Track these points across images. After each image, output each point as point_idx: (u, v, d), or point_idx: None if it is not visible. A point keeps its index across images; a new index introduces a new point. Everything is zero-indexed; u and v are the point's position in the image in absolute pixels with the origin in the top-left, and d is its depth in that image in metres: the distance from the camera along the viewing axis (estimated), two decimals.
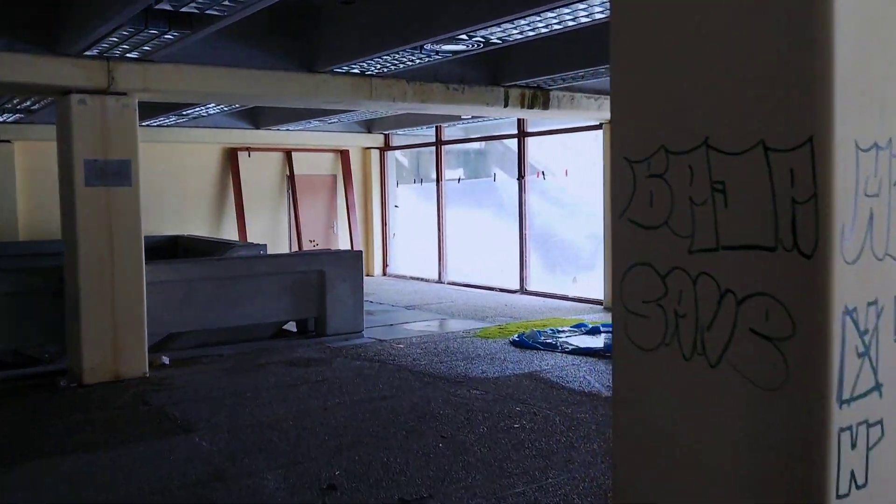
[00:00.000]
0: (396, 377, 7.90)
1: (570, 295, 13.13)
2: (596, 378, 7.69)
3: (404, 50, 7.65)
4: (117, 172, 7.70)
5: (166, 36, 6.60)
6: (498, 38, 7.23)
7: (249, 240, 15.09)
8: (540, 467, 5.35)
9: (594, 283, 12.86)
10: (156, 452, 5.79)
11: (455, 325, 10.97)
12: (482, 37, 7.09)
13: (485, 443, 5.84)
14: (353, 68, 8.61)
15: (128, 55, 7.38)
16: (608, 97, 11.32)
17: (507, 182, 14.64)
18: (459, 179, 15.83)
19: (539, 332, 9.91)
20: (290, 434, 6.12)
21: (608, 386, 7.36)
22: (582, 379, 7.67)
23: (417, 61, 8.19)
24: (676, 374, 2.27)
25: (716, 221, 2.14)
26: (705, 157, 2.16)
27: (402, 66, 8.47)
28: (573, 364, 8.31)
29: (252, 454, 5.69)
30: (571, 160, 14.69)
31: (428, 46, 7.42)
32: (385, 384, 7.62)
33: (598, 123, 12.20)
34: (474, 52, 7.73)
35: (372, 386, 7.57)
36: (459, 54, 7.91)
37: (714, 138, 2.16)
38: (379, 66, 8.51)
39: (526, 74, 9.74)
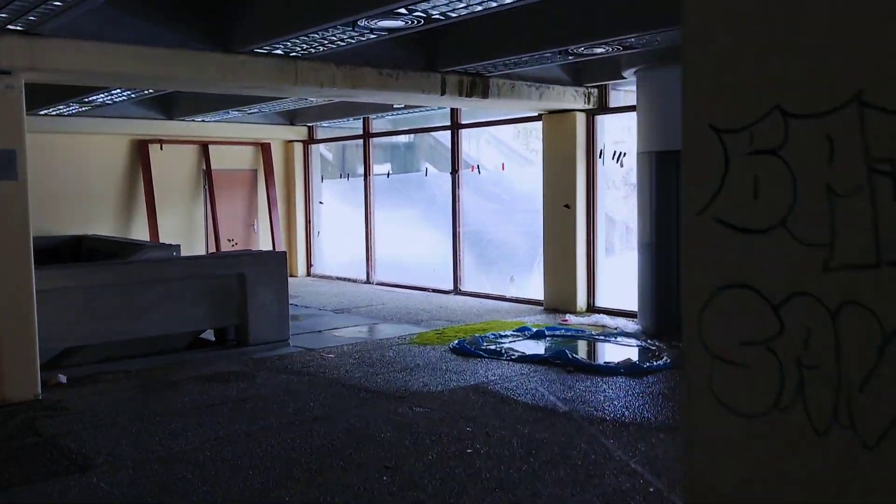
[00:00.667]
0: (329, 393, 7.06)
1: (508, 295, 12.47)
2: (549, 390, 7.01)
3: (335, 27, 6.81)
4: None
5: (54, 2, 5.61)
6: (440, 14, 6.46)
7: (161, 240, 13.95)
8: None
9: (533, 283, 12.24)
10: (43, 498, 4.83)
11: (389, 331, 10.16)
12: (423, 11, 6.30)
13: (436, 473, 5.07)
14: (276, 49, 7.71)
15: (10, 26, 6.33)
16: (550, 85, 10.73)
17: (438, 177, 13.89)
18: (389, 174, 15.00)
19: (481, 337, 9.19)
20: (206, 469, 5.22)
21: (564, 399, 6.69)
22: (534, 391, 6.98)
23: (349, 41, 7.35)
24: (801, 456, 1.53)
25: (875, 222, 1.40)
26: (857, 120, 1.42)
27: (331, 46, 7.61)
28: (522, 373, 7.62)
29: (161, 497, 4.80)
30: (510, 154, 14.04)
31: (362, 23, 6.60)
32: (317, 402, 6.78)
33: (537, 114, 11.57)
34: (413, 29, 6.94)
35: (302, 404, 6.71)
36: (396, 33, 7.11)
37: (874, 92, 1.42)
38: (305, 47, 7.64)
39: (464, 59, 9.00)
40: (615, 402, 6.59)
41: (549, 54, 8.44)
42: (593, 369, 7.68)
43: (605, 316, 10.41)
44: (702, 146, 1.63)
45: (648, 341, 8.93)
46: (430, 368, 7.90)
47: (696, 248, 1.69)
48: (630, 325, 9.78)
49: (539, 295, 11.84)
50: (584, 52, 8.26)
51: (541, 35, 8.14)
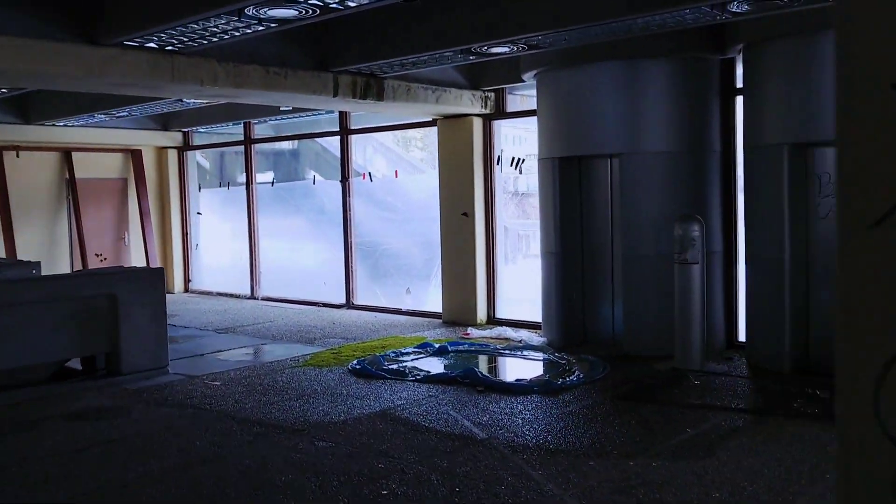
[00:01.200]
0: (217, 429, 6.28)
1: (405, 308, 11.88)
2: (462, 414, 6.46)
3: (218, 16, 6.07)
4: None
5: None
6: (337, 2, 5.83)
7: (19, 257, 12.62)
8: None
9: (431, 295, 11.71)
10: None
11: (279, 352, 9.38)
12: None
13: None
14: (150, 41, 6.88)
15: None
16: (447, 88, 10.23)
17: (327, 185, 13.17)
18: (273, 183, 14.15)
19: (381, 356, 8.56)
20: None
21: (480, 424, 6.16)
22: (447, 416, 6.42)
23: (233, 33, 6.61)
24: None
25: None
26: None
27: (212, 40, 6.84)
28: (430, 396, 7.05)
29: None
30: (399, 161, 13.47)
31: (250, 11, 5.89)
32: (204, 440, 5.99)
33: (432, 119, 11.06)
34: (306, 21, 6.27)
35: (187, 443, 5.91)
36: (287, 25, 6.42)
37: None
38: (184, 40, 6.84)
39: (358, 58, 8.39)
40: (535, 426, 6.11)
41: (449, 53, 7.93)
42: (505, 388, 7.20)
43: (507, 328, 9.98)
44: (878, 119, 1.12)
45: (556, 354, 8.54)
46: (329, 394, 7.22)
47: (865, 281, 1.17)
48: (535, 338, 9.38)
49: (437, 307, 11.32)
50: (487, 51, 7.79)
51: (441, 33, 7.63)
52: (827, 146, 7.46)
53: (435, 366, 8.30)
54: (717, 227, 8.62)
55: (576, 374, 7.57)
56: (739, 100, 8.68)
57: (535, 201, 12.95)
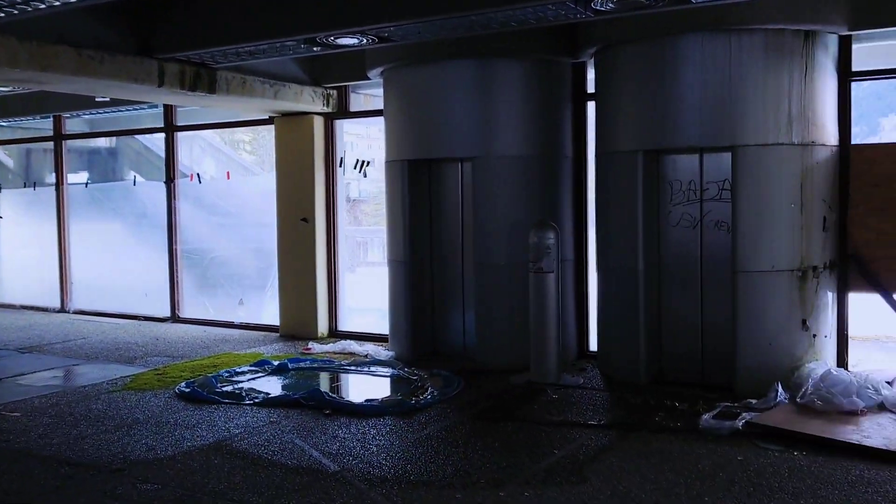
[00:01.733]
0: (16, 471, 5.27)
1: (238, 322, 10.98)
2: (309, 442, 5.79)
3: None
4: None
5: None
6: None
7: None
8: None
9: (266, 307, 10.88)
10: None
11: (94, 374, 8.28)
12: None
13: None
14: None
15: None
16: (286, 83, 9.48)
17: (149, 187, 12.02)
18: (87, 183, 12.78)
19: (214, 377, 7.70)
20: None
21: (330, 454, 5.52)
22: (292, 447, 5.72)
23: (36, 5, 5.62)
24: None
25: None
26: None
27: (11, 12, 5.80)
28: (271, 422, 6.32)
29: None
30: (229, 163, 12.54)
31: None
32: None
33: (268, 117, 10.26)
34: None
35: None
36: None
37: None
38: None
39: (187, 45, 7.52)
40: (392, 454, 5.54)
41: (291, 43, 7.23)
42: (355, 410, 6.58)
43: (352, 342, 9.34)
44: None
45: (405, 370, 8.01)
46: (153, 424, 6.32)
47: None
48: (382, 352, 8.82)
49: (274, 320, 10.52)
50: (334, 41, 7.16)
51: (283, 20, 6.93)
52: (680, 153, 7.38)
53: (274, 386, 7.56)
54: (569, 235, 8.40)
55: (429, 391, 7.07)
56: (591, 105, 8.53)
57: (367, 207, 12.45)
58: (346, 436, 5.92)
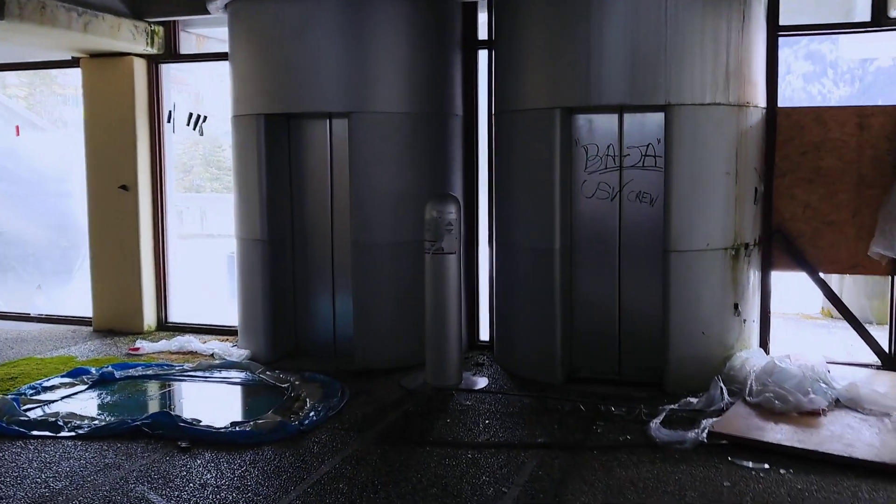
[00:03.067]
0: None
1: (36, 313, 8.88)
2: (168, 495, 4.22)
3: None
4: None
5: None
6: None
7: None
8: None
9: (74, 295, 8.88)
10: None
11: None
12: None
13: None
14: None
15: None
16: (100, 14, 7.44)
17: None
18: None
19: (14, 396, 5.82)
20: None
21: None
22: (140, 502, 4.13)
23: None
24: None
25: None
26: None
27: None
28: (107, 464, 4.66)
29: None
30: (14, 117, 10.21)
31: None
32: None
33: (72, 58, 8.20)
34: None
35: None
36: None
37: None
38: None
39: None
40: None
41: None
42: (221, 440, 5.02)
43: (191, 338, 7.63)
44: None
45: (268, 373, 6.50)
46: None
47: None
48: (232, 351, 7.21)
49: (85, 311, 8.56)
50: None
51: None
52: (600, 112, 6.33)
53: (100, 406, 5.81)
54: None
55: (309, 405, 5.62)
56: (482, 54, 7.31)
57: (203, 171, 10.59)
58: (217, 482, 4.39)
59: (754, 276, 6.47)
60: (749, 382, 5.72)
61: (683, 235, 5.99)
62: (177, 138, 8.44)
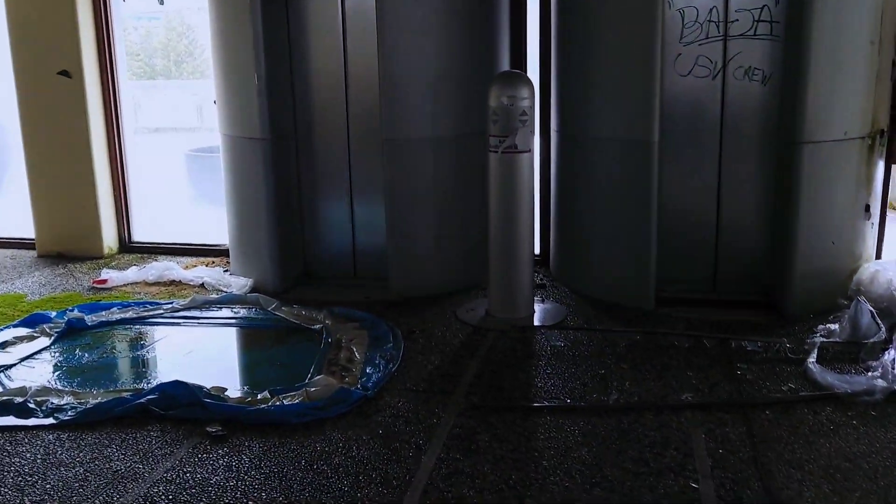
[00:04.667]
0: None
1: None
2: None
3: None
4: None
5: None
6: None
7: None
8: None
9: (6, 212, 7.21)
10: None
11: None
12: None
13: None
14: None
15: None
16: None
17: None
18: None
19: None
20: None
21: None
22: None
23: None
24: None
25: None
26: None
27: None
28: (113, 471, 3.28)
29: None
30: None
31: None
32: None
33: None
34: None
35: None
36: None
37: None
38: None
39: None
40: None
41: None
42: (265, 419, 3.66)
43: (170, 263, 6.13)
44: None
45: (283, 309, 5.12)
46: None
47: None
48: (229, 279, 5.75)
49: (24, 232, 6.93)
50: None
51: None
52: None
53: (73, 370, 4.35)
54: None
55: (362, 358, 4.30)
56: None
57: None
58: (287, 484, 3.07)
59: (881, 172, 5.30)
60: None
61: (820, 122, 4.73)
62: (127, 9, 6.66)
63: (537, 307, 5.13)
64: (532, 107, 4.72)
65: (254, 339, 4.91)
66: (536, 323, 4.89)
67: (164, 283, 5.80)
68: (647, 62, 4.83)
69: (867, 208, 5.09)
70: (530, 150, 4.75)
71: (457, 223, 5.45)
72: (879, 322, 4.51)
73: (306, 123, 5.73)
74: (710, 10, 5.02)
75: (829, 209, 4.90)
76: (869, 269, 5.09)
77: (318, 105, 5.71)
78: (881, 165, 5.19)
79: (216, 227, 6.37)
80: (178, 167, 9.54)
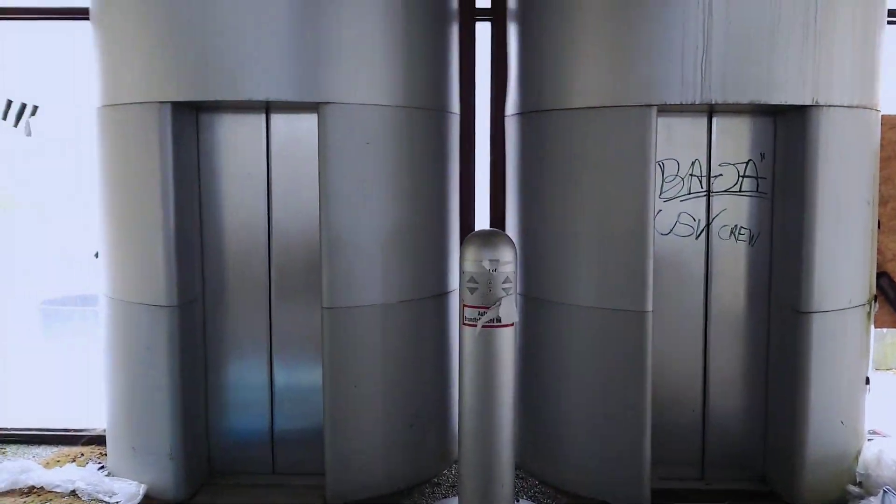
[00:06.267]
0: None
1: None
2: None
3: None
4: None
5: None
6: None
7: None
8: None
9: None
10: None
11: None
12: None
13: None
14: None
15: None
16: None
17: None
18: None
19: None
20: None
21: None
22: None
23: None
24: None
25: None
26: None
27: None
28: None
29: None
30: None
31: None
32: None
33: None
34: None
35: None
36: None
37: None
38: None
39: None
40: None
41: None
42: None
43: (27, 462, 4.74)
44: None
45: None
46: None
47: None
48: (114, 486, 4.44)
49: None
50: None
51: None
52: (683, 112, 4.46)
53: None
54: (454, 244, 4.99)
55: None
56: (482, 27, 5.19)
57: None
58: None
59: (872, 338, 4.90)
60: None
61: (827, 290, 4.25)
62: None
63: None
64: (516, 272, 3.96)
65: None
66: None
67: (21, 493, 4.43)
68: (638, 222, 4.22)
69: (867, 380, 4.63)
70: (514, 323, 3.95)
71: (410, 407, 4.51)
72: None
73: (218, 283, 4.68)
74: (693, 163, 4.55)
75: (838, 385, 4.37)
76: (871, 449, 4.58)
77: (233, 261, 4.69)
78: (873, 332, 4.79)
79: (78, 402, 5.12)
80: (25, 322, 7.89)
